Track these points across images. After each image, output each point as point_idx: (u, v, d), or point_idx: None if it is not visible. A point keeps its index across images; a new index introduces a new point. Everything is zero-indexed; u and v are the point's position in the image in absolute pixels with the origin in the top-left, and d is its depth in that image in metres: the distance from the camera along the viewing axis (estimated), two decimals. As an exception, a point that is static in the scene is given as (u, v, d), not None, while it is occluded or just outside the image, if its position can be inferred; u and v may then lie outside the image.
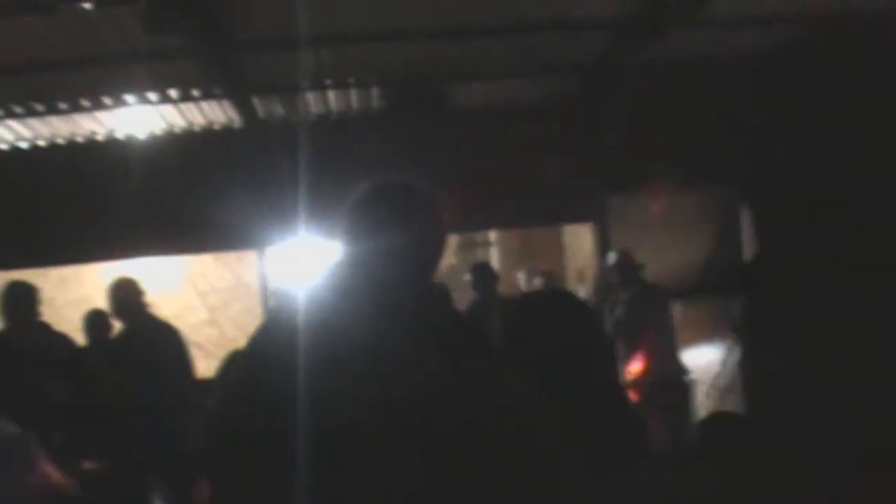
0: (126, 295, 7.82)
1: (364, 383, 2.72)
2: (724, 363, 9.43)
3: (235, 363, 6.01)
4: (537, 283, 11.61)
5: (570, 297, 3.84)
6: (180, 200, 9.42)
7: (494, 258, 12.80)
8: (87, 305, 9.06)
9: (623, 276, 8.96)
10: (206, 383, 7.46)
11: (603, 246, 9.94)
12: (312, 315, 2.87)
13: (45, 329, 7.40)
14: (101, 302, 8.72)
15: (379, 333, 2.78)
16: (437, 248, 3.04)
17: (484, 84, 9.35)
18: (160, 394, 7.23)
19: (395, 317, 2.82)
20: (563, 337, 3.35)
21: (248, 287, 10.47)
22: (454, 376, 2.75)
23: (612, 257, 9.13)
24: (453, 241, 12.43)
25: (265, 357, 2.92)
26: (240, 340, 7.70)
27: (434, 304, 3.03)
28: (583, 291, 11.32)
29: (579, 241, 11.14)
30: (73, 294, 10.18)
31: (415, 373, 2.73)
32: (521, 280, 11.95)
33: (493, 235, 12.88)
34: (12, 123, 9.26)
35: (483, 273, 9.51)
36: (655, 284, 9.02)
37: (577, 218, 10.40)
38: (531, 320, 3.48)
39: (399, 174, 8.06)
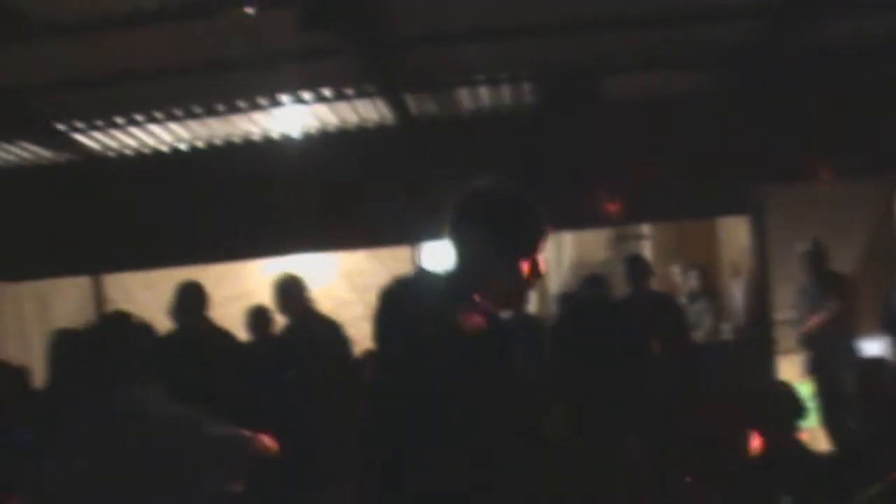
0: (291, 291, 7.99)
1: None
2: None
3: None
4: (692, 276, 11.46)
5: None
6: (334, 198, 9.56)
7: (648, 251, 12.64)
8: (246, 301, 9.27)
9: (811, 265, 8.91)
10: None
11: (759, 239, 9.75)
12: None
13: (211, 326, 7.63)
14: (259, 297, 8.93)
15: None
16: (527, 249, 3.17)
17: (637, 76, 9.23)
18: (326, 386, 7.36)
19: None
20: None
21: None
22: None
23: (804, 246, 9.07)
24: (606, 234, 12.33)
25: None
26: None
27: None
28: (737, 285, 11.14)
29: (735, 234, 10.93)
30: (232, 290, 10.41)
31: None
32: (676, 274, 11.81)
33: (646, 228, 12.72)
34: (171, 126, 9.53)
35: (637, 266, 9.41)
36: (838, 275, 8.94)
37: (733, 210, 10.20)
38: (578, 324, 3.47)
39: (551, 169, 8.05)
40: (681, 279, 11.71)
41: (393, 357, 3.12)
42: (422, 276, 3.37)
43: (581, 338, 3.23)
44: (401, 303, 3.16)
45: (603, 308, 3.67)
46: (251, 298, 9.25)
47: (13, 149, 9.89)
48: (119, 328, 4.35)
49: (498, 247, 3.17)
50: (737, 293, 11.14)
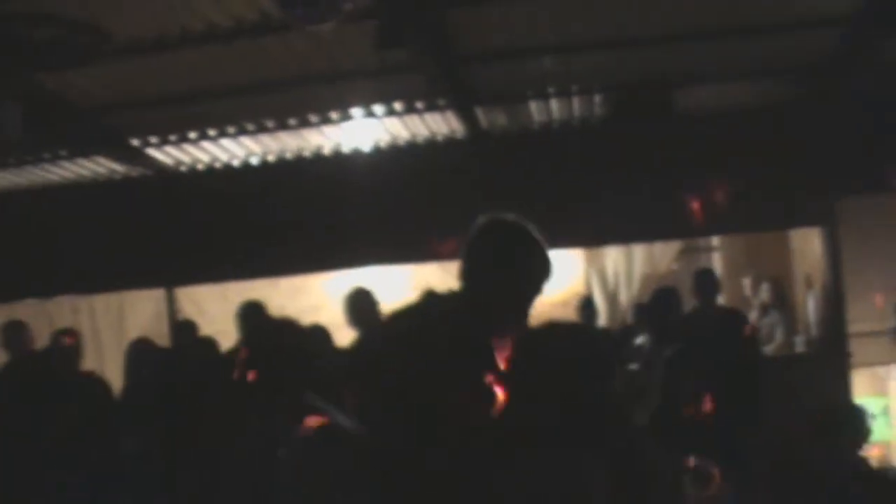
0: (362, 304, 8.00)
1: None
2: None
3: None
4: (763, 289, 11.34)
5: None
6: (404, 210, 9.59)
7: (717, 264, 12.54)
8: (316, 314, 9.30)
9: None
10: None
11: (832, 250, 9.64)
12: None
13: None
14: (330, 311, 8.96)
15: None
16: (537, 285, 3.29)
17: (709, 88, 9.17)
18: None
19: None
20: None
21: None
22: None
23: None
24: (675, 246, 12.25)
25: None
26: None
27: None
28: (811, 298, 11.01)
29: (807, 245, 10.80)
30: (302, 303, 10.47)
31: None
32: (747, 286, 11.69)
33: (715, 240, 12.62)
34: (244, 140, 9.62)
35: (704, 280, 9.28)
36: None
37: (806, 221, 10.08)
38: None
39: (621, 181, 8.03)
40: (751, 292, 11.58)
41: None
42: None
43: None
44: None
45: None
46: (321, 312, 9.28)
47: (88, 164, 10.04)
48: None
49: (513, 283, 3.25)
50: (810, 305, 11.00)
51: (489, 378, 3.18)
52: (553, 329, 3.46)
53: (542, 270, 3.35)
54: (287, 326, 4.39)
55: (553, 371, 3.26)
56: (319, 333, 7.75)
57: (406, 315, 3.39)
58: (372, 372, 3.48)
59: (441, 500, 3.07)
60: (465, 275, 3.32)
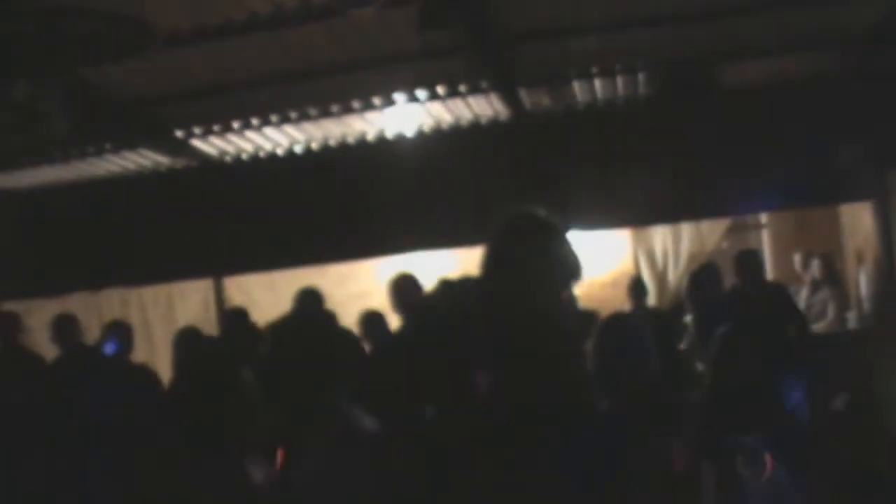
0: (407, 290, 7.99)
1: None
2: None
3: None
4: (814, 265, 11.22)
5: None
6: (449, 195, 9.56)
7: (766, 241, 12.44)
8: (365, 301, 9.30)
9: None
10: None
11: (885, 225, 9.50)
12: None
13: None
14: (378, 297, 8.94)
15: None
16: (567, 279, 3.28)
17: (755, 62, 9.05)
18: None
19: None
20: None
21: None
22: None
23: None
24: (723, 224, 12.15)
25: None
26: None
27: None
28: (862, 273, 10.89)
29: (858, 219, 10.69)
30: (350, 289, 10.48)
31: None
32: (797, 263, 11.58)
33: (763, 217, 12.53)
34: (287, 128, 9.63)
35: (747, 261, 9.13)
36: None
37: (857, 196, 9.95)
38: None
39: (667, 159, 7.93)
40: (802, 268, 11.47)
41: None
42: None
43: None
44: None
45: None
46: (370, 298, 9.27)
47: (134, 157, 10.09)
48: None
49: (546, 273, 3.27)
50: (862, 281, 10.89)
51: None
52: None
53: (570, 266, 3.36)
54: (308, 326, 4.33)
55: None
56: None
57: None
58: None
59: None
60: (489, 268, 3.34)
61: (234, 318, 9.12)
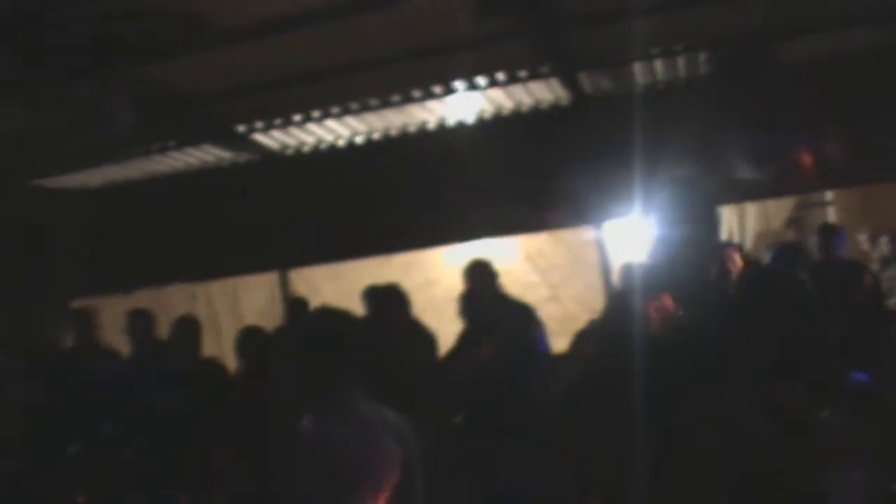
0: (481, 276, 7.99)
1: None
2: None
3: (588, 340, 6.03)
4: (883, 242, 11.05)
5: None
6: (512, 181, 9.54)
7: (832, 218, 12.27)
8: (431, 289, 9.32)
9: None
10: (556, 359, 7.58)
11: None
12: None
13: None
14: (446, 284, 8.95)
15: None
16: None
17: (815, 37, 8.90)
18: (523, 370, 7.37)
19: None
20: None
21: (587, 263, 10.44)
22: None
23: None
24: (789, 202, 12.02)
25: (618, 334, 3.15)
26: (582, 318, 7.74)
27: None
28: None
29: (926, 194, 10.51)
30: (416, 278, 10.49)
31: None
32: (864, 240, 11.41)
33: (829, 195, 12.36)
34: (348, 119, 9.64)
35: (828, 235, 9.07)
36: None
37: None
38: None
39: (731, 139, 7.85)
40: (869, 246, 11.30)
41: None
42: None
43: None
44: None
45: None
46: (438, 286, 9.30)
47: (197, 153, 10.17)
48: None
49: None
50: (933, 257, 10.70)
51: None
52: None
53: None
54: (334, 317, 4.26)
55: None
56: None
57: None
58: None
59: None
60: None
61: (297, 309, 9.20)
